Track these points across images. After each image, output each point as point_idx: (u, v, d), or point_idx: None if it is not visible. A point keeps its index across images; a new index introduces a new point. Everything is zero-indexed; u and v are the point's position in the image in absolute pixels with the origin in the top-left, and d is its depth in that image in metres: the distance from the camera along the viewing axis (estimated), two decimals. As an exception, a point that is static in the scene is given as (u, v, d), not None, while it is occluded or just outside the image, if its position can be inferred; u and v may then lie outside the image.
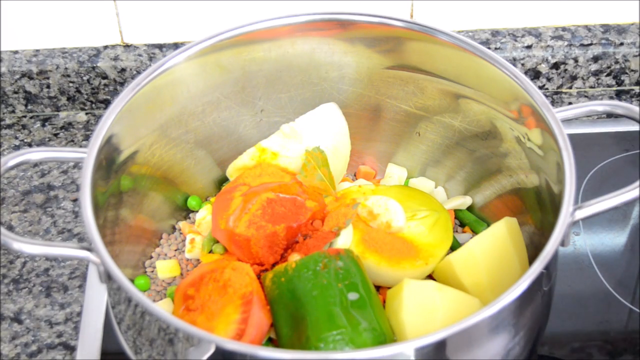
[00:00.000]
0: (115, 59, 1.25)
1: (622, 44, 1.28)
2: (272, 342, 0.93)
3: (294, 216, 0.98)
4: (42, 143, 1.25)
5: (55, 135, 1.26)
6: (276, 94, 1.09)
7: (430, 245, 0.98)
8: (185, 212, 1.10)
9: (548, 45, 1.27)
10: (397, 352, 0.76)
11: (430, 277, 0.99)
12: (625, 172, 1.17)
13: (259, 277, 0.96)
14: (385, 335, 0.87)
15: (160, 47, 1.27)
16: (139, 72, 1.25)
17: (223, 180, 1.11)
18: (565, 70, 1.29)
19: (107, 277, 0.87)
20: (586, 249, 1.09)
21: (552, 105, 1.02)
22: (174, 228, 1.09)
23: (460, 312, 0.89)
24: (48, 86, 1.26)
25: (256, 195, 0.99)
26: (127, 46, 1.27)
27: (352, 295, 0.88)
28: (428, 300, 0.89)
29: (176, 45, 1.27)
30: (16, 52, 1.26)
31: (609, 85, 1.32)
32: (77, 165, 1.20)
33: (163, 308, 0.92)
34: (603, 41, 1.28)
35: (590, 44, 1.28)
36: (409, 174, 1.12)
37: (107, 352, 0.99)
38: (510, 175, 1.02)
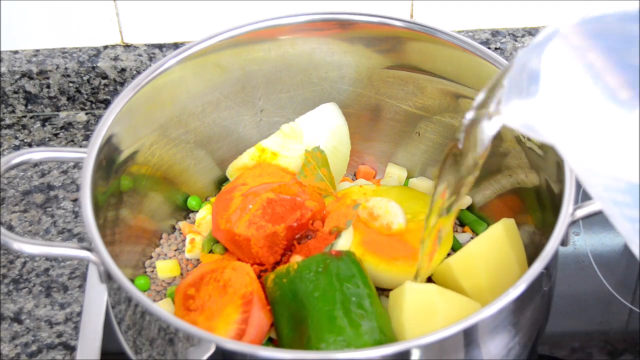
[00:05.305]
0: (115, 59, 1.25)
1: (622, 44, 1.28)
2: (272, 342, 0.93)
3: (294, 216, 0.98)
4: (42, 143, 1.24)
5: (55, 135, 1.26)
6: (276, 94, 1.09)
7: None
8: (185, 212, 1.10)
9: (548, 45, 1.27)
10: (397, 352, 0.76)
11: (430, 280, 0.99)
12: (625, 172, 1.17)
13: (259, 277, 0.96)
14: (387, 338, 0.87)
15: (160, 47, 1.27)
16: (139, 72, 1.25)
17: (223, 180, 1.11)
18: (565, 70, 1.29)
19: (107, 277, 0.87)
20: (586, 249, 1.09)
21: (552, 105, 1.02)
22: (174, 228, 1.08)
23: (461, 316, 0.88)
24: (48, 86, 1.26)
25: (256, 195, 0.99)
26: (127, 46, 1.27)
27: (354, 297, 0.88)
28: (429, 304, 0.89)
29: (176, 45, 1.27)
30: (16, 52, 1.26)
31: (609, 85, 1.31)
32: (77, 165, 1.20)
33: (163, 308, 0.92)
34: (603, 41, 1.28)
35: (590, 44, 1.28)
36: (409, 174, 1.12)
37: (107, 352, 0.99)
38: (510, 175, 1.02)
